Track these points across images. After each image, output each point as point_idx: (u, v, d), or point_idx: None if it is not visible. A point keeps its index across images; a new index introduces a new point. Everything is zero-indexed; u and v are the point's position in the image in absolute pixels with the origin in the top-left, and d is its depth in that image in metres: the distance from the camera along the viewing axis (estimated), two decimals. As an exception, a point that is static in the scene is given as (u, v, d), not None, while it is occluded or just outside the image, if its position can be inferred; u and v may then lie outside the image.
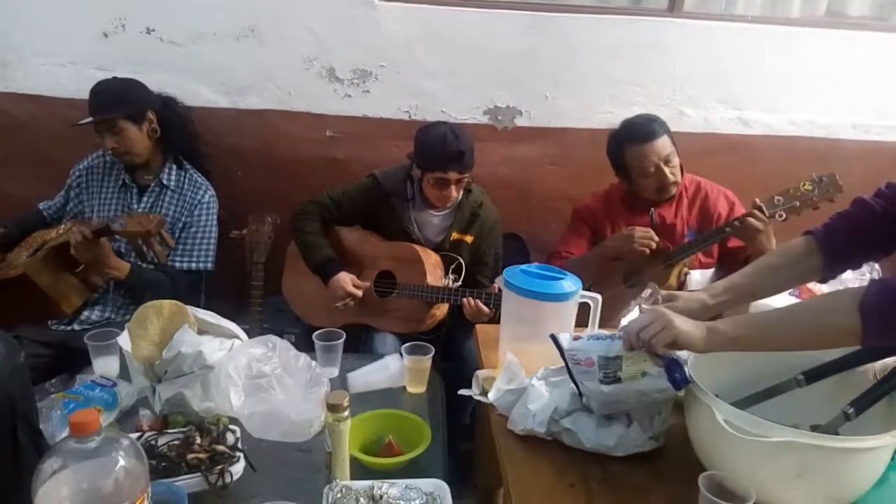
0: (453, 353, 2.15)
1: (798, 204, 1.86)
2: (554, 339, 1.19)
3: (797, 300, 1.51)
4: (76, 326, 2.04)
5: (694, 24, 2.51)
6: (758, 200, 1.88)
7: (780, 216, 1.86)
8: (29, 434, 0.90)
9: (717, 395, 1.05)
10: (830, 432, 1.04)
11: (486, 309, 2.01)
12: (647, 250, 1.98)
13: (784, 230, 1.85)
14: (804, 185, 1.87)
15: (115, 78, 2.13)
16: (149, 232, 1.83)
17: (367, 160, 2.53)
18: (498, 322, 2.00)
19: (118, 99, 2.05)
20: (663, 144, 2.01)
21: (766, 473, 0.98)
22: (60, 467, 0.80)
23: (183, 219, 2.14)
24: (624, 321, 1.28)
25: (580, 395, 1.18)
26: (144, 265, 2.00)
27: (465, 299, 2.02)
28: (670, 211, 2.12)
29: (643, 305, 1.30)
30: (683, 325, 1.06)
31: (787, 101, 2.60)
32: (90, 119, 2.03)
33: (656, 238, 1.99)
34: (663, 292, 1.33)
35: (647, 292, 1.33)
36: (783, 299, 1.40)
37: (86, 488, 0.80)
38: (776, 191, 1.89)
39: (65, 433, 1.23)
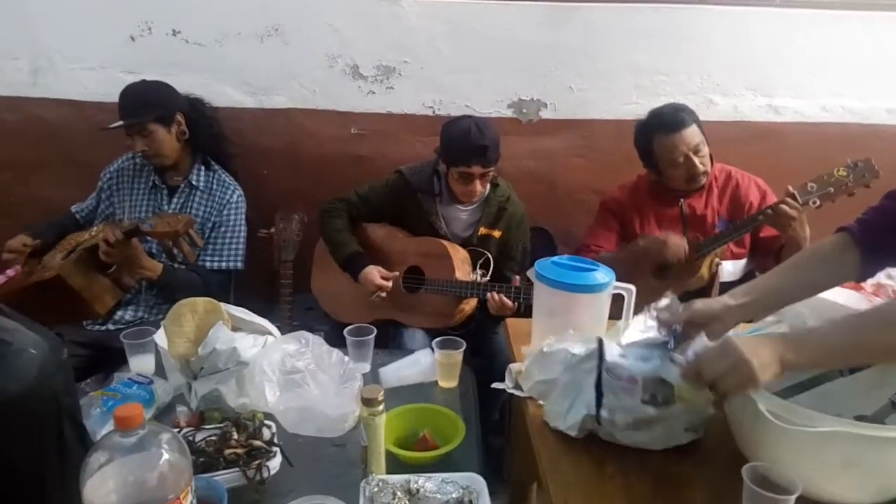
0: (483, 349, 2.14)
1: (832, 190, 1.82)
2: (600, 345, 1.14)
3: (855, 294, 1.43)
4: (111, 326, 2.08)
5: (721, 10, 2.46)
6: (790, 188, 1.85)
7: (814, 203, 1.83)
8: (74, 429, 0.92)
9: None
10: (877, 422, 1.02)
11: (509, 303, 2.00)
12: (675, 260, 1.97)
13: (818, 219, 1.82)
14: (838, 171, 1.84)
15: (143, 81, 2.16)
16: (177, 232, 1.85)
17: (391, 156, 2.54)
18: (523, 315, 2.01)
19: (147, 102, 2.08)
20: (692, 134, 1.98)
21: (812, 464, 0.96)
22: (107, 461, 0.81)
23: (212, 219, 2.16)
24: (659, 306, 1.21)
25: (597, 403, 1.12)
26: (176, 265, 2.02)
27: (489, 294, 2.01)
28: (700, 201, 2.09)
29: (661, 316, 1.22)
30: (763, 373, 0.96)
31: (818, 87, 2.54)
32: (120, 123, 2.06)
33: (686, 251, 1.97)
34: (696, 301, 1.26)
35: (664, 302, 1.24)
36: (841, 295, 1.35)
37: (132, 481, 0.81)
38: (808, 178, 1.86)
39: (105, 430, 1.25)
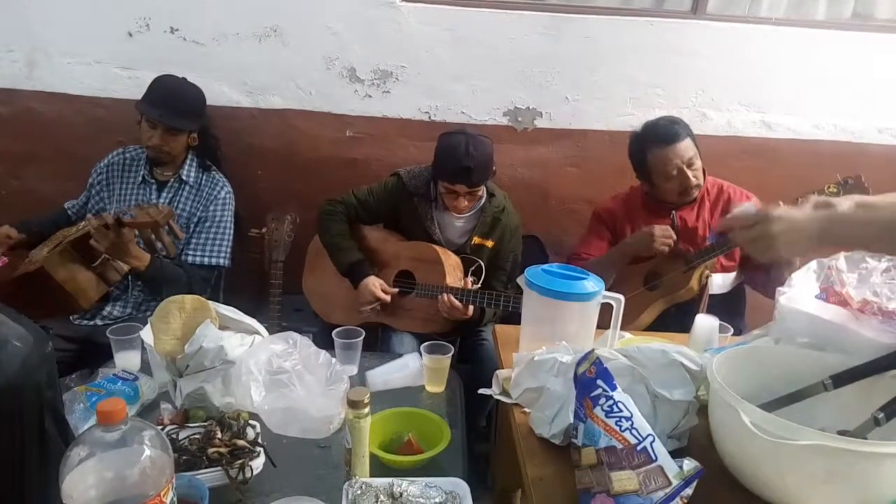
0: (471, 355, 2.14)
1: (823, 207, 1.84)
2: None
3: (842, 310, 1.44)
4: (98, 322, 2.07)
5: (717, 25, 2.49)
6: (781, 204, 1.86)
7: (805, 219, 1.84)
8: (55, 423, 0.91)
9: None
10: (859, 437, 1.02)
11: (459, 304, 2.01)
12: (667, 249, 1.98)
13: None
14: (829, 187, 1.85)
15: (185, 80, 2.18)
16: (157, 223, 1.85)
17: (386, 160, 2.55)
18: (476, 320, 2.09)
19: (196, 112, 2.16)
20: (686, 147, 2.00)
21: (794, 477, 0.96)
22: (87, 455, 0.80)
23: (198, 213, 2.16)
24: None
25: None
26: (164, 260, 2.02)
27: (439, 295, 2.03)
28: (692, 214, 2.11)
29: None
30: (789, 250, 1.04)
31: (811, 105, 2.57)
32: (163, 121, 2.07)
33: (674, 236, 1.98)
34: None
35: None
36: (828, 310, 1.33)
37: (111, 477, 0.81)
38: (799, 195, 1.87)
39: (87, 426, 1.25)
